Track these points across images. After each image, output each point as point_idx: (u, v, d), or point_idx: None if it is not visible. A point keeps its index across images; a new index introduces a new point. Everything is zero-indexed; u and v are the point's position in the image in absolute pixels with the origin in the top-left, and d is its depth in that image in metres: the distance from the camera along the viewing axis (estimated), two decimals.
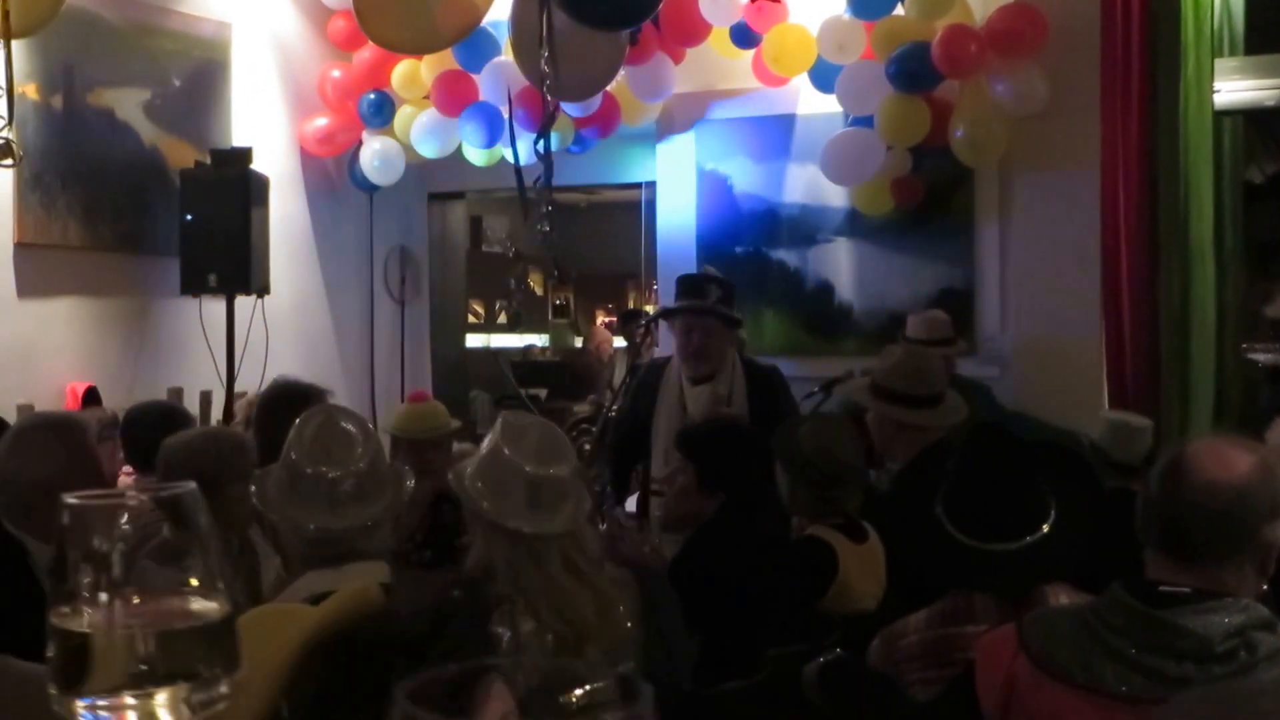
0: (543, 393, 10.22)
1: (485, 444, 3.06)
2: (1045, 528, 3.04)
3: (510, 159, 6.00)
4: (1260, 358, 8.13)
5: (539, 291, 13.38)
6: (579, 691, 0.93)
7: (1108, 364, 6.59)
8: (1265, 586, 2.82)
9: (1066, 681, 2.40)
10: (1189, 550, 2.42)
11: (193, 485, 1.03)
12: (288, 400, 4.55)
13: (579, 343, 13.40)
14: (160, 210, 6.96)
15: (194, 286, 6.82)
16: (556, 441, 3.10)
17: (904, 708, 3.00)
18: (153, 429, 4.59)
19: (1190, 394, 6.41)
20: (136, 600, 1.00)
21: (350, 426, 2.97)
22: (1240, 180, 6.80)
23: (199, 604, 1.01)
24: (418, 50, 6.76)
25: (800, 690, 3.15)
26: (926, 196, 7.37)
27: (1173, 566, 2.43)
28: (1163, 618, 2.34)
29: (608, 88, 7.46)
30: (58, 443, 3.78)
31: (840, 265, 7.65)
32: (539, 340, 12.96)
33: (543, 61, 4.75)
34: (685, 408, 5.53)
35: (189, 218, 6.75)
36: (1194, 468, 2.45)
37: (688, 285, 5.84)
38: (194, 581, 1.01)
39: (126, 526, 1.00)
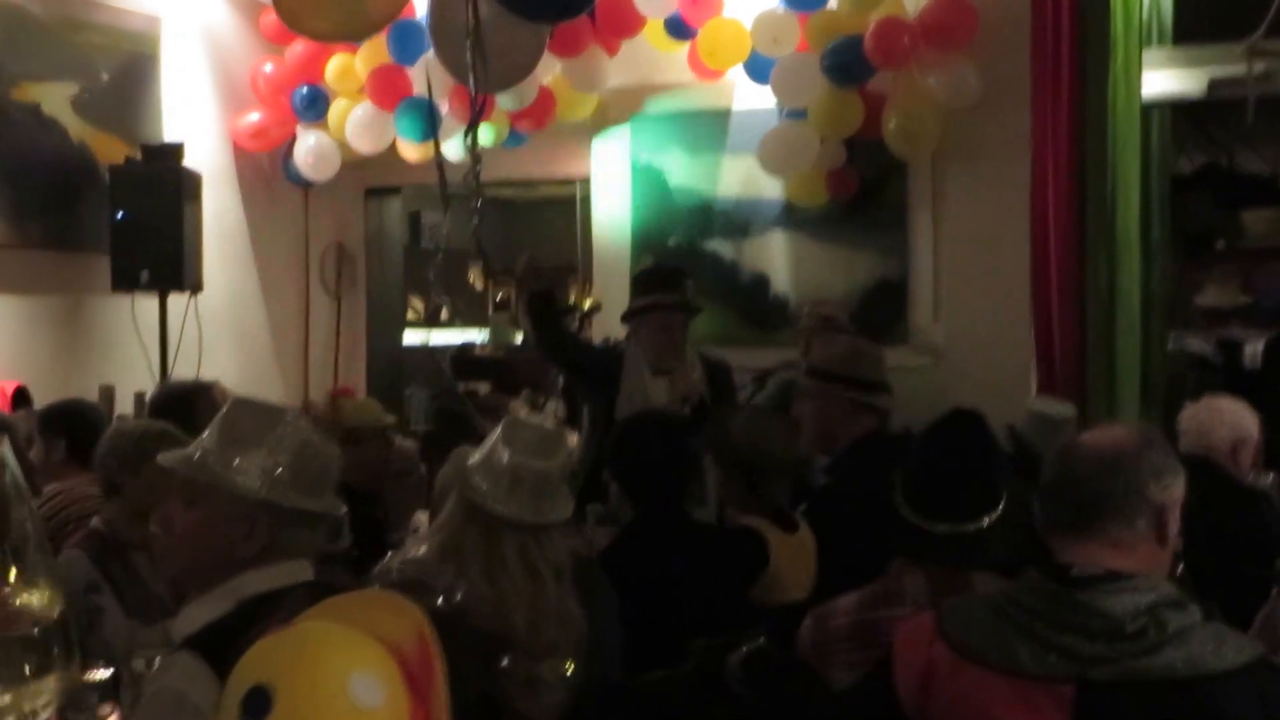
0: (483, 388, 10.19)
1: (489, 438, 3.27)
2: (991, 518, 3.09)
3: (440, 152, 5.98)
4: (1192, 346, 8.24)
5: (478, 287, 13.33)
6: None
7: (1037, 353, 6.64)
8: (1181, 568, 2.87)
9: (984, 665, 2.43)
10: (1079, 513, 2.48)
11: None
12: (175, 399, 4.61)
13: (519, 338, 13.35)
14: (90, 206, 6.89)
15: (125, 284, 6.77)
16: (550, 440, 3.28)
17: (825, 696, 3.02)
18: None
19: (1116, 382, 6.47)
20: None
21: None
22: (1168, 171, 6.86)
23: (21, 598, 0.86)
24: (339, 38, 6.70)
25: (725, 680, 3.16)
26: (860, 188, 7.39)
27: (1072, 541, 2.48)
28: (1075, 598, 2.38)
29: (544, 82, 7.46)
30: None
31: (775, 257, 7.66)
32: (479, 336, 12.89)
33: (468, 54, 4.72)
34: (648, 398, 5.56)
35: (120, 214, 6.70)
36: (1078, 445, 2.57)
37: (662, 279, 5.87)
38: (12, 574, 0.86)
39: None
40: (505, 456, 3.17)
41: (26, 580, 0.83)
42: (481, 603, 3.05)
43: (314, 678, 1.35)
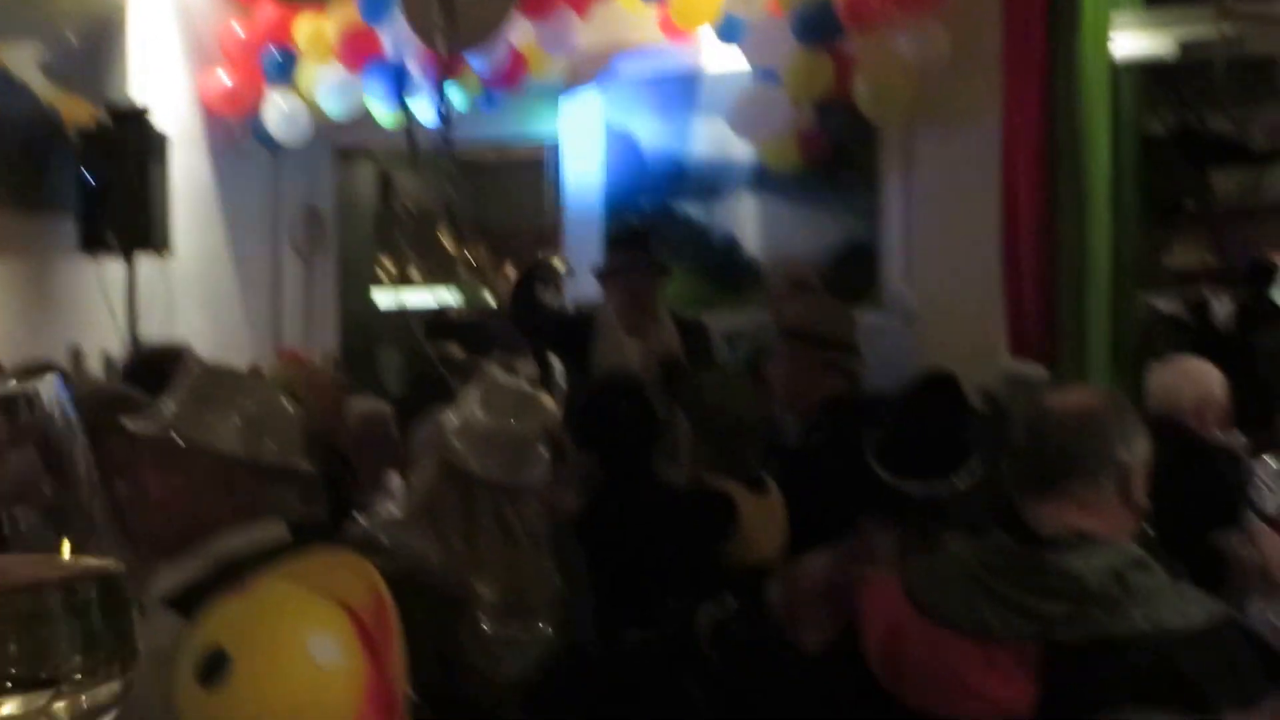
0: (456, 350, 10.16)
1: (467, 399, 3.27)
2: (963, 478, 3.10)
3: (411, 114, 5.93)
4: (1162, 306, 8.26)
5: (450, 249, 13.29)
6: None
7: (1008, 314, 6.66)
8: (1151, 531, 2.89)
9: (950, 626, 2.44)
10: (1047, 473, 2.49)
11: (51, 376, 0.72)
12: (153, 364, 4.58)
13: (491, 300, 13.32)
14: (58, 168, 6.84)
15: (93, 245, 6.73)
16: (528, 403, 3.28)
17: (796, 659, 3.03)
18: None
19: (1087, 342, 6.49)
20: None
21: None
22: (1138, 132, 6.86)
23: (73, 567, 0.67)
24: None
25: (698, 643, 3.17)
26: (832, 151, 7.39)
27: (1039, 501, 2.49)
28: (1041, 559, 2.39)
29: (513, 43, 7.41)
30: None
31: (746, 219, 7.66)
32: (452, 297, 12.86)
33: (434, 13, 4.68)
34: (623, 360, 5.54)
35: (88, 176, 6.66)
36: (1046, 407, 2.61)
37: (629, 239, 5.85)
38: (65, 541, 0.65)
39: None
40: (483, 418, 3.17)
41: (79, 542, 0.75)
42: (456, 563, 3.05)
43: (272, 641, 1.34)
